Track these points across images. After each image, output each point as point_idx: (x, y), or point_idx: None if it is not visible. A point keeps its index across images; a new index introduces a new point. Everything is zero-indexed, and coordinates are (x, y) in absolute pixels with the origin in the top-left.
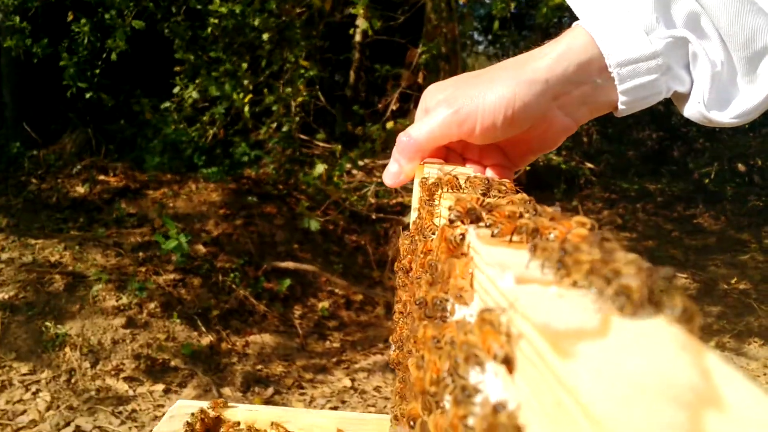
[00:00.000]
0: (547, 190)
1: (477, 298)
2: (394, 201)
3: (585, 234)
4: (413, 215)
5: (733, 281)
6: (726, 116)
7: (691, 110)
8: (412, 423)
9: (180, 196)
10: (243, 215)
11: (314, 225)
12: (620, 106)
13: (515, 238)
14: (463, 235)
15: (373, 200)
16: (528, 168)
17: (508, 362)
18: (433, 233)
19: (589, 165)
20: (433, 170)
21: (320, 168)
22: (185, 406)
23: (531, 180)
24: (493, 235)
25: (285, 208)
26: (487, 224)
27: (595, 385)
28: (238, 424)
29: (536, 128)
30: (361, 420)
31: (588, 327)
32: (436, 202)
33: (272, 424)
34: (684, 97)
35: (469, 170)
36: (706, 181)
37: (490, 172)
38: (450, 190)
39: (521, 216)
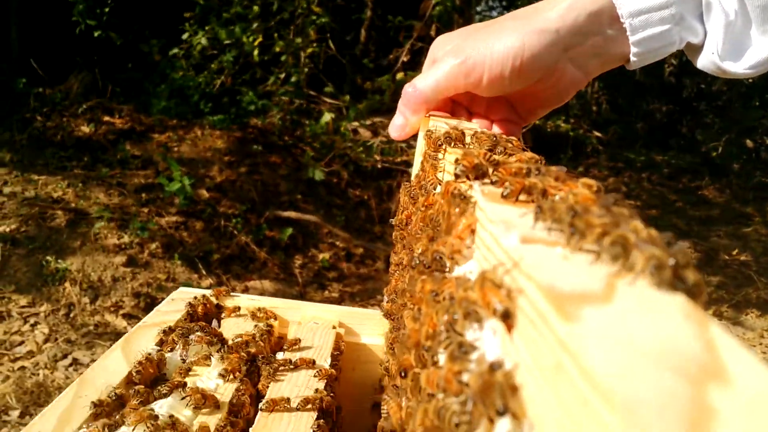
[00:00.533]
0: (553, 156)
1: (479, 255)
2: (399, 159)
3: (594, 197)
4: (416, 168)
5: (734, 252)
6: (740, 67)
7: (705, 61)
8: (403, 373)
9: (185, 141)
10: (247, 163)
11: (318, 175)
12: (632, 58)
13: (522, 197)
14: (467, 192)
15: (378, 157)
16: (536, 122)
17: (507, 317)
18: (436, 187)
19: (597, 134)
20: (439, 123)
21: (327, 117)
22: (186, 292)
23: (538, 145)
24: (503, 196)
25: (290, 158)
26: (493, 181)
27: (597, 350)
28: (239, 309)
29: (546, 81)
30: (364, 315)
31: (593, 291)
32: (441, 156)
33: (258, 309)
34: (697, 49)
35: (475, 125)
36: (714, 154)
37: (496, 128)
38: (456, 145)
39: (528, 174)
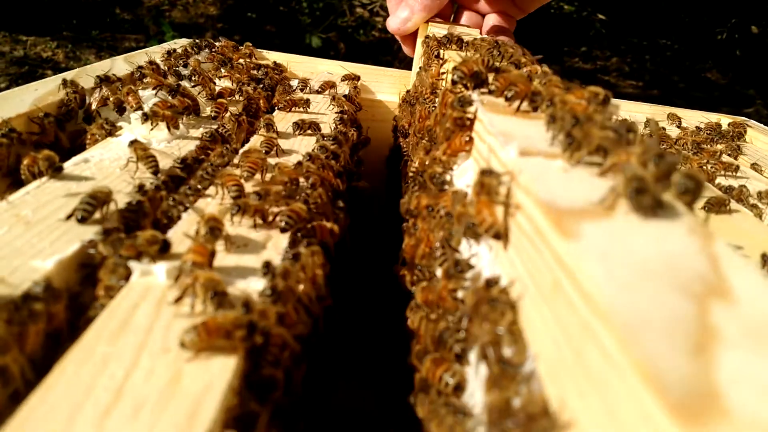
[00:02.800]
0: (557, 39)
1: (476, 167)
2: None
3: (592, 108)
4: (413, 77)
5: None
6: None
7: None
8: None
9: (177, 6)
10: (241, 31)
11: (316, 41)
12: None
13: (523, 106)
14: (466, 100)
15: (376, 33)
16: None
17: (501, 236)
18: (432, 99)
19: (601, 16)
20: (437, 30)
21: None
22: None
23: (541, 28)
24: (506, 99)
25: (285, 28)
26: (491, 90)
27: (597, 268)
28: (250, 55)
29: None
30: (380, 72)
31: (593, 206)
32: (438, 64)
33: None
34: None
35: (475, 32)
36: (719, 38)
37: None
38: (453, 48)
39: (530, 81)
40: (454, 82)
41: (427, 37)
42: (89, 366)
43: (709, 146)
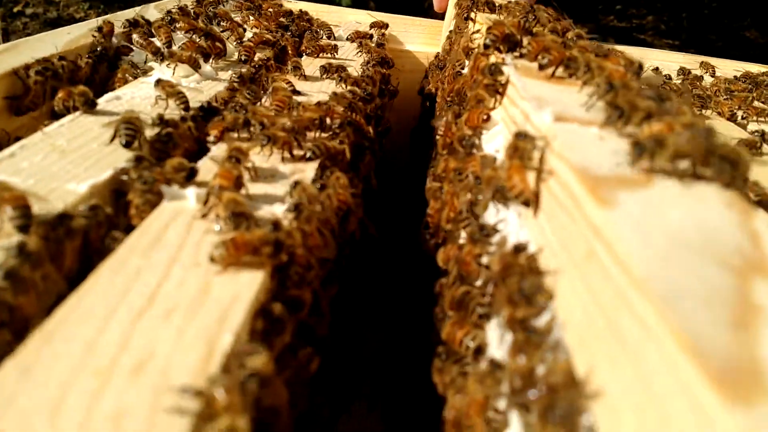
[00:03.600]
0: None
1: (506, 132)
2: None
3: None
4: (443, 39)
5: None
6: None
7: None
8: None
9: None
10: None
11: (345, 0)
12: None
13: (559, 71)
14: (497, 68)
15: None
16: None
17: (531, 203)
18: (461, 61)
19: None
20: None
21: None
22: None
23: None
24: (540, 67)
25: None
26: (522, 53)
27: (634, 237)
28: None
29: None
30: (408, 21)
31: (630, 174)
32: (471, 27)
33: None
34: None
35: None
36: None
37: None
38: (485, 11)
39: (566, 46)
40: (486, 46)
41: None
42: (123, 275)
43: (741, 92)
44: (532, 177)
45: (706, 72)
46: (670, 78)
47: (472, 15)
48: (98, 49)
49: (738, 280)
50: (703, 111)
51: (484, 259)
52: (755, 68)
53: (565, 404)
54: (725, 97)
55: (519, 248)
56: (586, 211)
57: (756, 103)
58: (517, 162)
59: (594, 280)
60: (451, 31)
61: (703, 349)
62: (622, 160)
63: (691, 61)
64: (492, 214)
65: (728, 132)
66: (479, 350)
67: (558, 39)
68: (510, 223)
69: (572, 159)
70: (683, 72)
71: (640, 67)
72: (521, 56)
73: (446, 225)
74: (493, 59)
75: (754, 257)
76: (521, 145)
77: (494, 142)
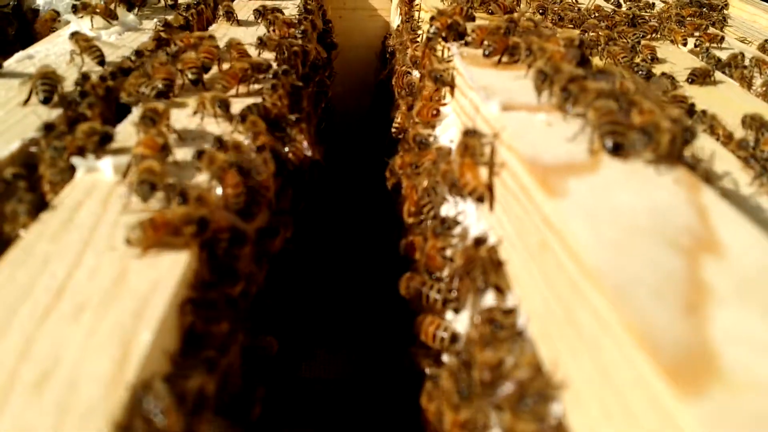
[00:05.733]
0: None
1: (459, 123)
2: None
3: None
4: (393, 22)
5: None
6: None
7: None
8: None
9: None
10: None
11: None
12: None
13: (505, 58)
14: (439, 78)
15: None
16: None
17: (484, 200)
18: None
19: None
20: None
21: None
22: None
23: None
24: (485, 55)
25: None
26: (467, 42)
27: (584, 227)
28: None
29: None
30: None
31: (578, 161)
32: (416, 14)
33: None
34: None
35: None
36: None
37: None
38: None
39: (508, 32)
40: (429, 39)
41: None
42: (28, 266)
43: (694, 19)
44: (485, 172)
45: None
46: (620, 5)
47: (417, 4)
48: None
49: (688, 261)
50: (657, 39)
51: (448, 252)
52: None
53: (533, 394)
54: (677, 24)
55: (479, 241)
56: (537, 201)
57: (710, 30)
58: (468, 159)
59: (550, 271)
60: (399, 25)
61: (656, 339)
62: (570, 147)
63: None
64: (452, 207)
65: (683, 62)
66: (454, 339)
67: (500, 23)
68: (469, 215)
69: (521, 150)
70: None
71: (581, 43)
72: (466, 44)
73: (408, 219)
74: (439, 48)
75: (703, 234)
76: (470, 142)
77: (448, 133)
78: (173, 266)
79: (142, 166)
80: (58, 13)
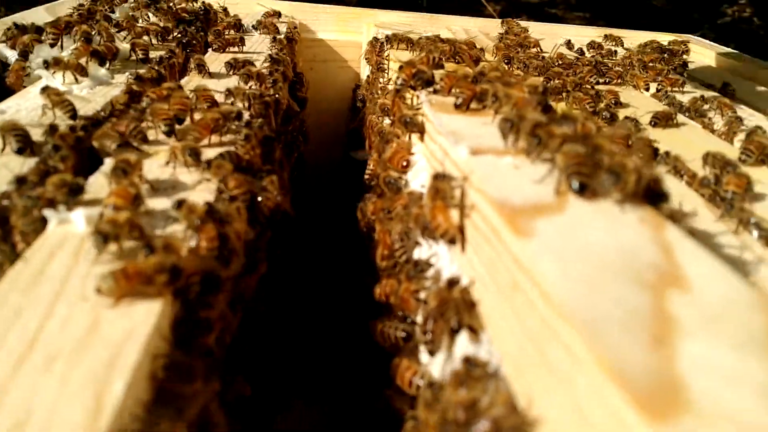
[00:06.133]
0: None
1: (430, 168)
2: None
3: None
4: (363, 73)
5: None
6: None
7: None
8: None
9: None
10: None
11: None
12: None
13: (473, 105)
14: (410, 122)
15: None
16: None
17: (456, 242)
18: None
19: None
20: (384, 31)
21: None
22: None
23: None
24: (456, 106)
25: None
26: (436, 89)
27: (553, 266)
28: None
29: None
30: (318, 9)
31: (546, 202)
32: (385, 64)
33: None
34: None
35: (420, 31)
36: None
37: None
38: (399, 47)
39: (477, 80)
40: (398, 89)
41: (374, 38)
42: (0, 317)
43: (655, 64)
44: (456, 214)
45: (614, 44)
46: (582, 53)
47: (387, 51)
48: None
49: (655, 296)
50: (620, 85)
51: (422, 295)
52: (666, 38)
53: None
54: (640, 69)
55: (452, 282)
56: (507, 242)
57: (671, 75)
58: (439, 202)
59: (522, 310)
60: (369, 74)
61: (626, 372)
62: (537, 188)
63: (602, 35)
64: (425, 249)
65: (645, 106)
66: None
67: (468, 71)
68: (442, 257)
69: (490, 192)
70: (594, 46)
71: (545, 89)
72: (435, 92)
73: (381, 263)
74: (409, 96)
75: (668, 270)
76: (441, 186)
77: (419, 178)
78: (146, 315)
79: (106, 218)
80: (26, 59)
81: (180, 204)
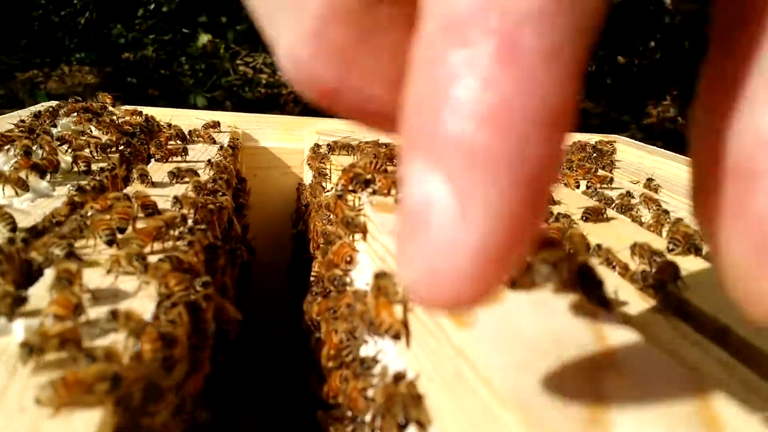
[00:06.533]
0: None
1: (373, 266)
2: (285, 91)
3: None
4: (306, 177)
5: None
6: None
7: None
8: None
9: (52, 78)
10: (123, 97)
11: (201, 101)
12: None
13: None
14: (353, 224)
15: (262, 90)
16: None
17: (401, 337)
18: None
19: None
20: (326, 137)
21: (204, 38)
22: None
23: None
24: (396, 202)
25: (168, 90)
26: (375, 190)
27: (493, 354)
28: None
29: None
30: (261, 119)
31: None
32: (327, 169)
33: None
34: None
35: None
36: (589, 70)
37: None
38: (340, 153)
39: None
40: (338, 194)
41: (315, 144)
42: None
43: (584, 163)
44: (399, 310)
45: None
46: None
47: (328, 157)
48: None
49: (589, 378)
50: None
51: (370, 392)
52: (595, 138)
53: None
54: (568, 167)
55: (398, 377)
56: (449, 334)
57: (599, 172)
58: (383, 299)
59: (465, 399)
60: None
61: None
62: None
63: None
64: (371, 346)
65: (576, 202)
66: None
67: None
68: (387, 353)
69: None
70: None
71: None
72: (374, 192)
73: (327, 363)
74: (350, 198)
75: (601, 354)
76: (382, 283)
77: (364, 276)
78: (87, 425)
79: (35, 330)
80: None
81: (115, 314)
